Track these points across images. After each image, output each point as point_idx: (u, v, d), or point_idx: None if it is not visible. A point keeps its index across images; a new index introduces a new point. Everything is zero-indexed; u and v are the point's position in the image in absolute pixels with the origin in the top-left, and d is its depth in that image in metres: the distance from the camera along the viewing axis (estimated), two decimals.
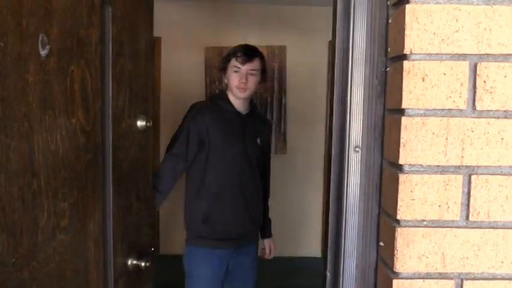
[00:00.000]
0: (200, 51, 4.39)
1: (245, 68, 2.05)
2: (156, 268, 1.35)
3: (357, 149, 0.95)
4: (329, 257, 1.02)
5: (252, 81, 2.07)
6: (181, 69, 4.40)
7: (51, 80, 0.90)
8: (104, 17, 1.07)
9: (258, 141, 2.20)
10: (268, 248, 2.40)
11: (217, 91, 4.41)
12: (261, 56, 2.14)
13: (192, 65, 4.40)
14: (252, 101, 2.26)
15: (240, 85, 2.05)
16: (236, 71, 2.06)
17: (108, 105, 1.10)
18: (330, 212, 1.00)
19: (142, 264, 1.27)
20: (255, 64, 2.08)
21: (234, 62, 2.07)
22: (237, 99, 2.12)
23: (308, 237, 4.36)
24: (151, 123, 1.29)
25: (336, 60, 0.99)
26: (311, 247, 4.39)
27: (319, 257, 4.37)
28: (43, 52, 0.87)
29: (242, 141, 2.12)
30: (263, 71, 2.16)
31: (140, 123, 1.25)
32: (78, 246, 1.02)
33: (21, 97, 0.83)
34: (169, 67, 4.41)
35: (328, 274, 1.02)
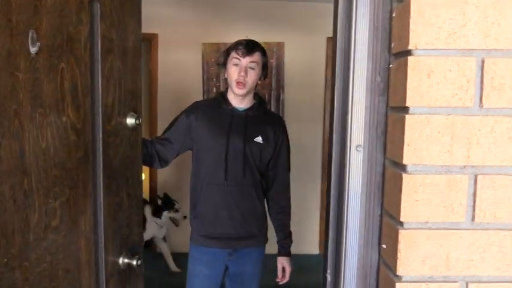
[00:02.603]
0: (197, 47, 4.35)
1: (245, 60, 2.00)
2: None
3: (358, 148, 0.92)
4: (329, 259, 0.99)
5: (252, 76, 2.01)
6: (178, 65, 4.37)
7: (41, 78, 0.88)
8: (93, 13, 1.05)
9: (260, 139, 2.08)
10: (281, 268, 2.17)
11: (215, 89, 4.38)
12: (262, 50, 2.08)
13: (189, 62, 4.36)
14: (258, 97, 2.17)
15: (239, 78, 1.99)
16: (236, 64, 2.01)
17: (98, 103, 1.08)
18: (331, 213, 0.97)
19: (134, 262, 1.25)
20: (255, 57, 2.02)
21: (234, 55, 2.02)
22: (236, 96, 2.07)
23: (307, 235, 4.35)
24: (140, 121, 1.28)
25: (337, 57, 0.95)
26: (310, 245, 4.39)
27: (317, 253, 4.37)
28: (33, 49, 0.85)
29: (229, 137, 2.03)
30: (264, 67, 2.09)
31: (130, 120, 1.24)
32: (69, 246, 1.00)
33: (11, 95, 0.81)
34: (166, 64, 4.37)
35: (328, 276, 1.00)
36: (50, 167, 0.92)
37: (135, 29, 1.27)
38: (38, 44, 0.86)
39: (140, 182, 1.36)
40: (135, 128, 1.27)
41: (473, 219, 0.84)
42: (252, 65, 2.01)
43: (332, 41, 1.01)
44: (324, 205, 3.07)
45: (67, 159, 0.97)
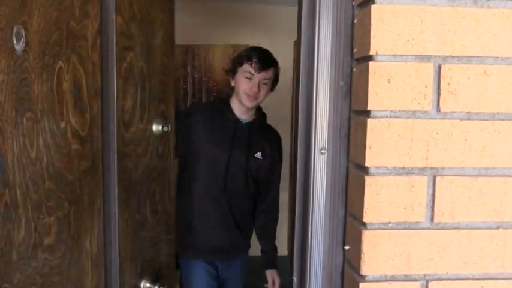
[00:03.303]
0: None
1: (259, 76, 1.88)
2: None
3: (322, 150, 0.94)
4: (295, 261, 1.00)
5: (264, 91, 1.92)
6: None
7: (29, 78, 0.79)
8: (106, 6, 0.94)
9: (259, 154, 2.01)
10: (271, 280, 2.15)
11: (182, 91, 4.34)
12: (276, 65, 1.98)
13: None
14: (259, 109, 2.09)
15: (250, 93, 1.89)
16: (249, 78, 1.89)
17: (112, 107, 0.97)
18: (296, 215, 0.99)
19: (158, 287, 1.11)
20: (270, 73, 1.92)
21: (247, 67, 1.89)
22: (241, 106, 1.97)
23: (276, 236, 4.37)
24: (169, 128, 1.14)
25: (301, 61, 0.97)
26: (279, 246, 4.40)
27: (286, 254, 4.40)
28: (18, 46, 0.76)
29: (231, 149, 1.94)
30: (274, 80, 1.99)
31: (156, 127, 1.10)
32: (69, 267, 0.89)
33: None
34: None
35: (294, 278, 1.01)
36: (43, 179, 0.82)
37: (166, 24, 1.12)
38: (24, 40, 0.76)
39: (171, 197, 1.20)
40: (163, 135, 1.13)
41: (432, 219, 0.87)
42: (266, 81, 1.92)
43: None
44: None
45: (67, 170, 0.87)
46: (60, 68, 0.85)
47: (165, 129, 1.12)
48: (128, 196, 1.03)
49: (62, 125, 0.86)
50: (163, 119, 1.12)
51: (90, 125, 0.92)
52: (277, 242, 2.27)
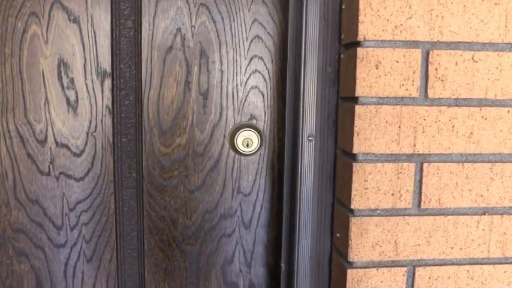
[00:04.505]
0: None
1: None
2: None
3: (310, 137, 0.93)
4: (283, 248, 1.00)
5: None
6: None
7: None
8: None
9: None
10: None
11: None
12: None
13: None
14: None
15: None
16: None
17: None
18: (284, 202, 0.98)
19: None
20: None
21: None
22: None
23: None
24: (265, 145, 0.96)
25: (288, 47, 0.96)
26: None
27: None
28: None
29: None
30: None
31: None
32: None
33: None
34: None
35: (282, 265, 1.01)
36: None
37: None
38: None
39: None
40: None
41: (419, 205, 0.87)
42: None
43: None
44: None
45: None
46: None
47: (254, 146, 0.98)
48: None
49: None
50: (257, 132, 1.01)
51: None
52: None
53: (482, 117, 0.85)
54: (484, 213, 0.88)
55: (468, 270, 0.90)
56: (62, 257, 1.01)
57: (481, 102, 0.85)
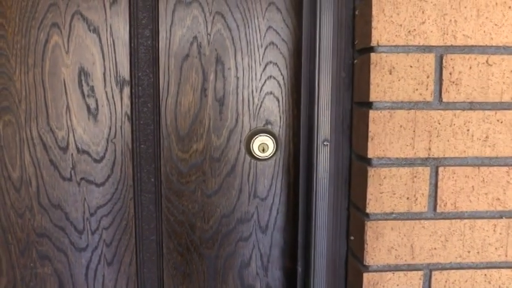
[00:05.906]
0: None
1: None
2: None
3: (325, 142, 0.94)
4: (299, 251, 1.01)
5: None
6: None
7: None
8: None
9: None
10: None
11: None
12: None
13: None
14: None
15: None
16: None
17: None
18: (300, 207, 0.99)
19: None
20: None
21: None
22: None
23: None
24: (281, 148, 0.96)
25: (303, 53, 0.97)
26: None
27: None
28: None
29: None
30: None
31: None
32: None
33: None
34: None
35: (299, 268, 1.02)
36: None
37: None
38: None
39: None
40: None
41: (435, 209, 0.87)
42: None
43: None
44: None
45: None
46: None
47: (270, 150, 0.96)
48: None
49: None
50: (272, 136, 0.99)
51: None
52: None
53: (498, 120, 0.85)
54: (501, 217, 0.88)
55: (485, 274, 0.89)
56: (83, 260, 1.04)
57: (496, 106, 0.85)
